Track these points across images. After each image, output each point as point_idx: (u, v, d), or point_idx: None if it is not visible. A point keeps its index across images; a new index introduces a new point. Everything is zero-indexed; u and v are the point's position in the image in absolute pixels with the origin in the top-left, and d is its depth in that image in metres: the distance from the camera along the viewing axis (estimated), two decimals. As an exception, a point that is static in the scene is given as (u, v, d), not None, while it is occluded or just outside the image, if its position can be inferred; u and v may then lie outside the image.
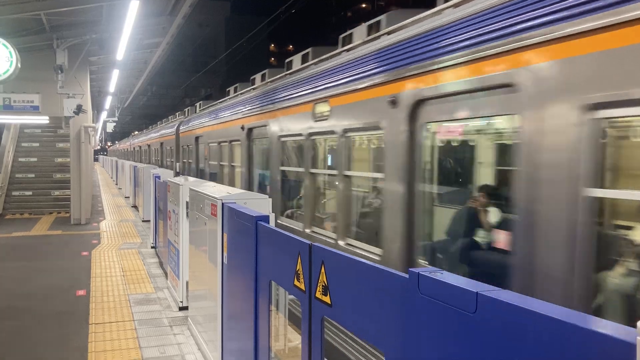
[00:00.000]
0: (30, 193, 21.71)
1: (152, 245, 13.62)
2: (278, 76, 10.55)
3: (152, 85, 49.20)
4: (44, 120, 17.06)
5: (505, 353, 1.88)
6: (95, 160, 40.34)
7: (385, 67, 5.79)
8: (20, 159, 22.71)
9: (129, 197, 26.24)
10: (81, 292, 9.57)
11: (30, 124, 21.46)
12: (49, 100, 16.40)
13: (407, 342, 2.43)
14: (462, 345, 2.09)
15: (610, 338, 1.55)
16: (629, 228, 3.59)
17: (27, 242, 15.02)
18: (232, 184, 12.06)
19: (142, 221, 18.51)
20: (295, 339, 6.52)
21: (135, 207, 22.95)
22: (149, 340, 7.25)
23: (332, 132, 7.03)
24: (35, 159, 22.83)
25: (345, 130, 6.68)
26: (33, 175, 22.32)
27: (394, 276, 2.58)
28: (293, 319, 6.82)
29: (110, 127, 42.71)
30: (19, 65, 11.82)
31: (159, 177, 12.36)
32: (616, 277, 3.51)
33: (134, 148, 43.33)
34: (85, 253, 13.13)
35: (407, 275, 2.43)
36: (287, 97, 8.74)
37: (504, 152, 5.12)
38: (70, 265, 11.83)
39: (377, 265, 2.76)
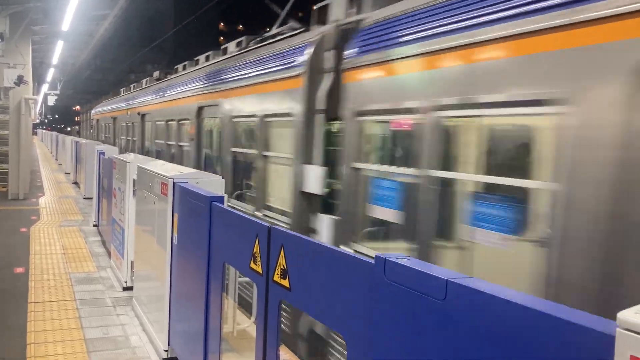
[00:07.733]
0: (-36, 165, 20.75)
1: (94, 223, 13.22)
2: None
3: (97, 58, 47.45)
4: (-19, 89, 16.31)
5: (475, 341, 1.87)
6: (34, 134, 38.62)
7: None
8: (-46, 130, 21.64)
9: (69, 174, 25.44)
10: (19, 270, 9.22)
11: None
12: (-12, 69, 15.69)
13: (371, 327, 2.40)
14: (430, 332, 2.08)
15: (589, 330, 1.53)
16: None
17: (-39, 216, 14.39)
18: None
19: (84, 198, 17.98)
20: (244, 322, 6.47)
21: (76, 183, 22.27)
22: (92, 321, 7.04)
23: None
24: (-30, 130, 21.79)
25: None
26: (-32, 147, 21.33)
27: (358, 261, 2.55)
28: (242, 303, 6.77)
29: (51, 101, 41.27)
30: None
31: (103, 154, 11.99)
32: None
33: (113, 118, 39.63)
34: (23, 229, 12.65)
35: (372, 261, 2.41)
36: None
37: None
38: (8, 242, 11.38)
39: (341, 250, 2.73)
